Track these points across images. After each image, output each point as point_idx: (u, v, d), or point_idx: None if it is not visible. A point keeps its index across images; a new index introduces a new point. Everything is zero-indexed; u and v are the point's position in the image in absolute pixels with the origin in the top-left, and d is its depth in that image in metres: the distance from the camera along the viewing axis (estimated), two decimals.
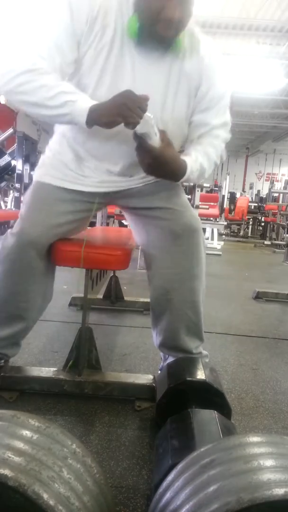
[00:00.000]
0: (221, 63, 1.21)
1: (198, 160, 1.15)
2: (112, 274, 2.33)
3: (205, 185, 4.86)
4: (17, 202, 4.44)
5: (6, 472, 0.52)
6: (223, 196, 9.81)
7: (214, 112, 1.19)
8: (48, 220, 1.20)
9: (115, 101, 0.96)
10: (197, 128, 1.21)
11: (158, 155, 1.03)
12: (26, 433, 0.61)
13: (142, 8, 1.00)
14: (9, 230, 1.22)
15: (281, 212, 7.86)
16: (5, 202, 5.31)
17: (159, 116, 1.09)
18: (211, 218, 7.19)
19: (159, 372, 1.35)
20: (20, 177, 4.52)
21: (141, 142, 1.03)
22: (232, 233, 9.67)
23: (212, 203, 6.90)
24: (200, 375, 1.10)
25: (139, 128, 0.99)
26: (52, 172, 1.22)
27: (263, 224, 9.77)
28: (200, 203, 4.59)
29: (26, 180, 4.58)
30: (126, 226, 3.78)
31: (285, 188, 9.30)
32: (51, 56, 1.00)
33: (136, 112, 0.94)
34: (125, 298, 2.37)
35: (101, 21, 1.02)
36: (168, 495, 0.62)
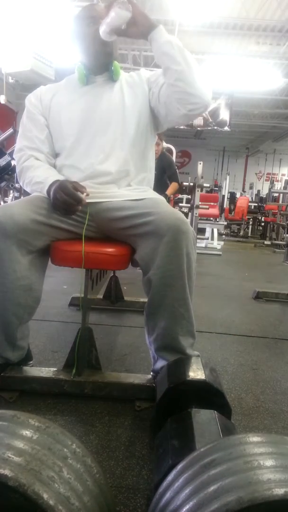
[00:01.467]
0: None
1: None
2: (112, 274, 2.33)
3: (205, 185, 4.86)
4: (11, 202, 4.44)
5: (6, 472, 0.52)
6: (223, 196, 9.83)
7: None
8: (25, 211, 1.23)
9: (53, 192, 1.27)
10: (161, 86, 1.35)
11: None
12: (26, 433, 0.61)
13: (83, 50, 1.38)
14: None
15: (281, 212, 7.86)
16: (5, 202, 5.31)
17: (121, 117, 1.38)
18: (211, 218, 7.20)
19: (151, 373, 1.34)
20: None
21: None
22: (232, 233, 9.67)
23: (212, 203, 6.91)
24: (200, 375, 1.10)
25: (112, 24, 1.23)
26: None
27: (263, 224, 9.78)
28: (200, 203, 4.59)
29: None
30: None
31: (285, 188, 9.30)
32: (35, 133, 1.43)
33: (67, 203, 1.23)
34: (125, 298, 2.37)
35: (46, 97, 1.43)
36: (168, 495, 0.62)
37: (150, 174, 1.51)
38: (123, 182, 1.40)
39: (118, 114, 1.38)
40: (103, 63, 1.39)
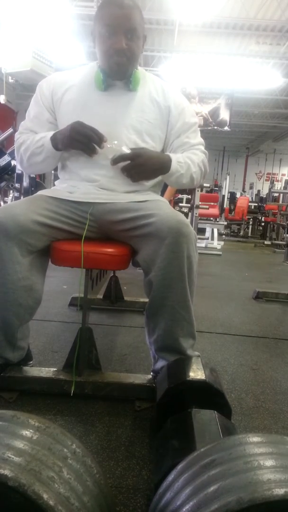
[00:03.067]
0: (184, 98, 1.46)
1: (180, 156, 1.33)
2: (112, 274, 2.33)
3: (205, 185, 4.86)
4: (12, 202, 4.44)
5: (6, 472, 0.52)
6: (223, 196, 9.82)
7: (189, 134, 1.41)
8: (27, 212, 1.22)
9: (66, 129, 1.26)
10: (179, 149, 1.40)
11: (134, 156, 1.25)
12: (26, 433, 0.61)
13: (100, 56, 1.30)
14: None
15: (281, 212, 7.85)
16: (5, 202, 5.31)
17: (129, 124, 1.33)
18: (211, 218, 7.20)
19: (151, 373, 1.35)
20: (20, 177, 4.51)
21: (117, 160, 1.26)
22: (232, 233, 9.67)
23: (212, 203, 6.90)
24: (200, 375, 1.09)
25: (110, 155, 1.26)
26: (46, 192, 1.41)
27: (263, 224, 9.77)
28: (200, 203, 4.59)
29: (25, 180, 4.58)
30: None
31: (285, 188, 9.30)
32: (35, 125, 1.41)
33: (83, 132, 1.22)
34: (125, 298, 2.37)
35: (59, 90, 1.37)
36: (168, 495, 0.62)
37: (158, 188, 1.50)
38: (125, 189, 1.38)
39: (132, 132, 1.34)
40: (121, 72, 1.31)
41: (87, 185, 1.36)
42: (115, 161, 1.26)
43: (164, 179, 1.38)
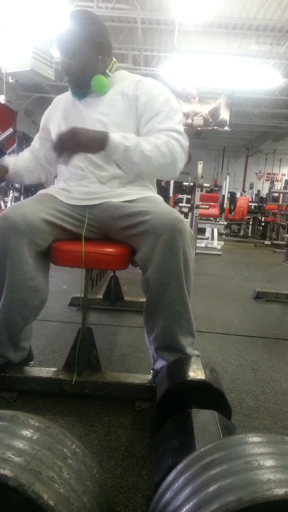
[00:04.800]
0: (158, 84, 1.44)
1: (130, 137, 1.29)
2: (112, 274, 2.33)
3: (205, 185, 4.86)
4: (18, 201, 4.44)
5: (6, 472, 0.52)
6: (223, 196, 9.82)
7: (158, 119, 1.35)
8: (36, 211, 1.24)
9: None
10: (146, 135, 1.36)
11: (68, 130, 1.23)
12: (26, 433, 0.61)
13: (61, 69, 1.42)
14: None
15: (281, 212, 7.86)
16: (5, 202, 5.31)
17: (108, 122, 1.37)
18: (211, 218, 7.20)
19: (151, 373, 1.34)
20: None
21: (56, 143, 1.25)
22: (232, 233, 9.67)
23: (212, 203, 6.90)
24: (200, 375, 1.09)
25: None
26: (49, 191, 1.45)
27: (263, 224, 9.77)
28: (200, 203, 4.59)
29: None
30: None
31: (285, 188, 9.30)
32: (34, 142, 1.68)
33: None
34: (125, 298, 2.37)
35: (55, 107, 1.54)
36: (168, 495, 0.62)
37: (146, 181, 1.50)
38: (116, 183, 1.41)
39: (99, 122, 1.37)
40: (75, 86, 1.41)
41: (82, 189, 1.39)
42: (56, 145, 1.23)
43: (111, 154, 1.28)
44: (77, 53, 1.34)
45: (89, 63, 1.37)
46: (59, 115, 1.48)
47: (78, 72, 1.37)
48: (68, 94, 1.52)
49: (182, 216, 1.23)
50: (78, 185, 1.40)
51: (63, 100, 1.53)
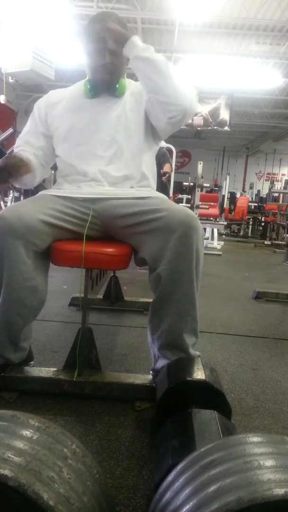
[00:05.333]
0: None
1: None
2: (112, 274, 2.33)
3: (205, 185, 4.86)
4: (17, 202, 4.44)
5: (6, 472, 0.52)
6: (223, 196, 9.81)
7: None
8: (33, 212, 1.23)
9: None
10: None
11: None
12: (26, 433, 0.61)
13: (88, 71, 1.42)
14: None
15: (281, 212, 7.85)
16: (5, 202, 5.31)
17: (121, 130, 1.39)
18: (211, 218, 7.19)
19: (151, 373, 1.35)
20: None
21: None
22: (232, 233, 9.67)
23: (212, 203, 6.90)
24: (200, 375, 1.10)
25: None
26: (50, 191, 1.43)
27: (263, 224, 9.77)
28: (200, 203, 4.59)
29: None
30: None
31: (285, 188, 9.29)
32: (30, 137, 1.50)
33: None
34: (125, 298, 2.37)
35: (53, 101, 1.48)
36: (168, 495, 0.62)
37: (153, 181, 1.52)
38: (125, 185, 1.41)
39: (120, 127, 1.40)
40: (106, 81, 1.40)
41: (89, 180, 1.38)
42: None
43: (131, 48, 1.30)
44: (120, 52, 1.35)
45: (122, 66, 1.41)
46: (61, 110, 1.45)
47: (115, 71, 1.38)
48: (73, 89, 1.50)
49: (194, 214, 1.25)
50: (86, 185, 1.39)
51: (66, 96, 1.48)
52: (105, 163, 1.39)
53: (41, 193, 1.43)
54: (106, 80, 1.39)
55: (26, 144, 1.48)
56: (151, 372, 1.34)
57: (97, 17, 1.38)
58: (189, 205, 5.20)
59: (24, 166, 1.33)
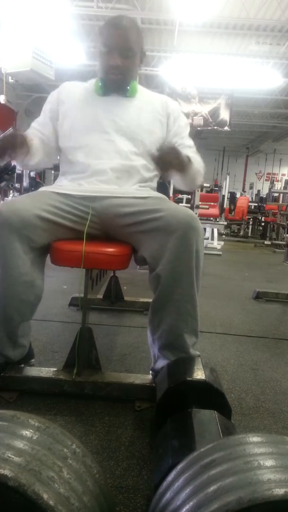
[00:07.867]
0: (178, 106, 1.60)
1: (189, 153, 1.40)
2: (112, 274, 2.33)
3: (205, 185, 4.86)
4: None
5: (6, 472, 0.52)
6: (223, 196, 9.81)
7: (183, 136, 1.53)
8: (29, 207, 1.23)
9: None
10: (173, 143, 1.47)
11: (170, 149, 1.31)
12: (26, 433, 0.61)
13: (99, 71, 1.44)
14: None
15: (281, 212, 7.85)
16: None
17: (133, 129, 1.43)
18: (211, 218, 7.19)
19: (150, 373, 1.34)
20: (20, 177, 4.52)
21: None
22: (232, 233, 9.66)
23: (212, 203, 6.90)
24: (200, 375, 1.10)
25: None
26: (50, 188, 1.43)
27: (263, 224, 9.77)
28: (200, 203, 4.59)
29: (25, 180, 4.59)
30: None
31: (285, 188, 9.30)
32: (40, 125, 1.53)
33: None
34: (125, 298, 2.37)
35: (65, 93, 1.51)
36: (168, 495, 0.62)
37: (153, 183, 1.52)
38: (126, 184, 1.41)
39: (126, 126, 1.42)
40: (118, 82, 1.42)
41: (91, 176, 1.38)
42: (158, 161, 1.29)
43: (181, 175, 1.37)
44: (131, 55, 1.39)
45: (135, 68, 1.45)
46: (72, 102, 1.47)
47: (126, 73, 1.41)
48: (83, 85, 1.52)
49: (195, 214, 1.25)
50: (87, 183, 1.39)
51: (79, 90, 1.50)
52: (107, 160, 1.39)
53: (40, 189, 1.43)
54: (118, 80, 1.41)
55: (36, 129, 1.52)
56: (151, 372, 1.34)
57: (115, 20, 1.40)
58: (189, 205, 5.19)
59: (21, 144, 1.33)
